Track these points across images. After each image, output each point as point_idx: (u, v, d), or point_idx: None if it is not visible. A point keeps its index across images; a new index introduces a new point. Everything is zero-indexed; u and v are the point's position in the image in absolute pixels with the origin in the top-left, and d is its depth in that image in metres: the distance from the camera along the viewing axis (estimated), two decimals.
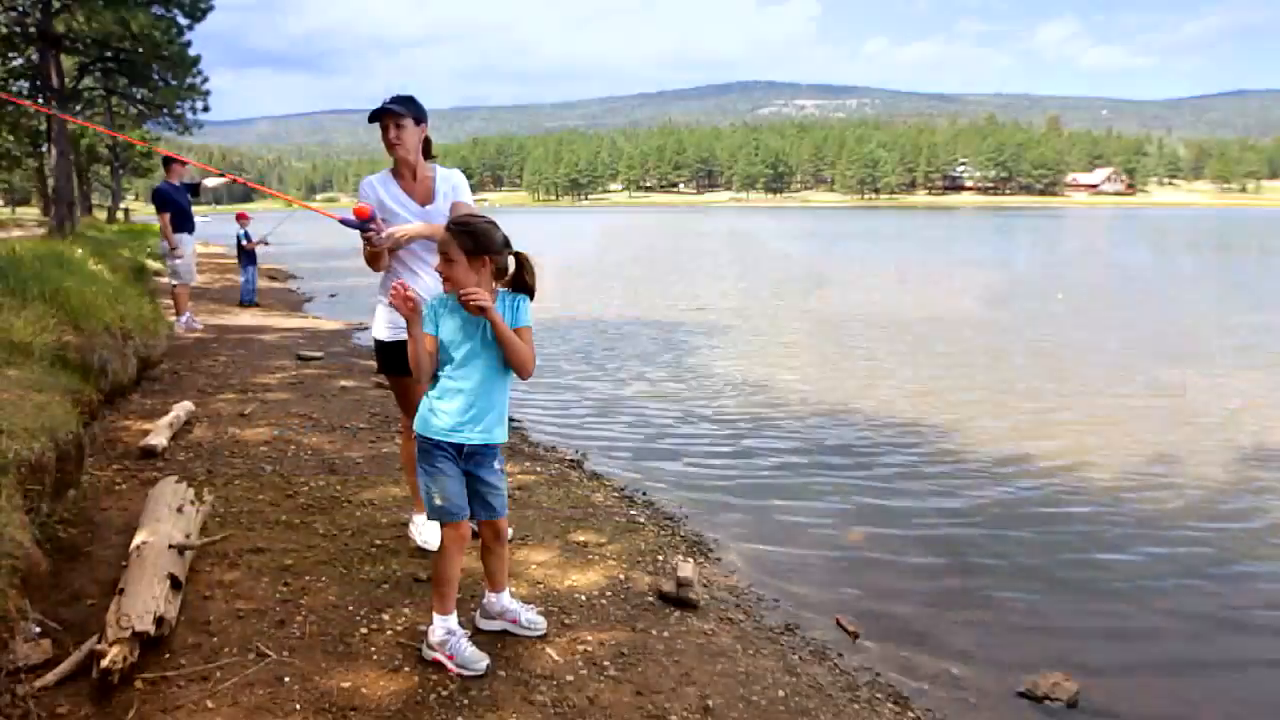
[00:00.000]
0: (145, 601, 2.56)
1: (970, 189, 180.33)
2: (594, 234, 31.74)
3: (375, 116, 3.28)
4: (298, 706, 2.36)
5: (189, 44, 18.69)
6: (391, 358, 3.36)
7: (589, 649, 2.85)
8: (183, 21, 18.22)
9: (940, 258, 27.31)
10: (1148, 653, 3.51)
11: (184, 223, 9.45)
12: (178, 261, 9.50)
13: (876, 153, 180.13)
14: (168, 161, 9.50)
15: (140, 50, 17.09)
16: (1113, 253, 30.33)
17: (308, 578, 3.21)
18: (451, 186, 3.45)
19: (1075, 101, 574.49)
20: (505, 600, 2.87)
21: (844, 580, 4.08)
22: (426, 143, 3.41)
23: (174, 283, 9.72)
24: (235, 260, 14.12)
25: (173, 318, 9.39)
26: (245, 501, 4.00)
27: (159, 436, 4.77)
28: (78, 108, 25.99)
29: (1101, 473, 5.70)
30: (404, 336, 2.72)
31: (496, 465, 2.68)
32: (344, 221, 3.20)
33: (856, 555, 4.39)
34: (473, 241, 2.49)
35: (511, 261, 2.59)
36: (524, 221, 62.96)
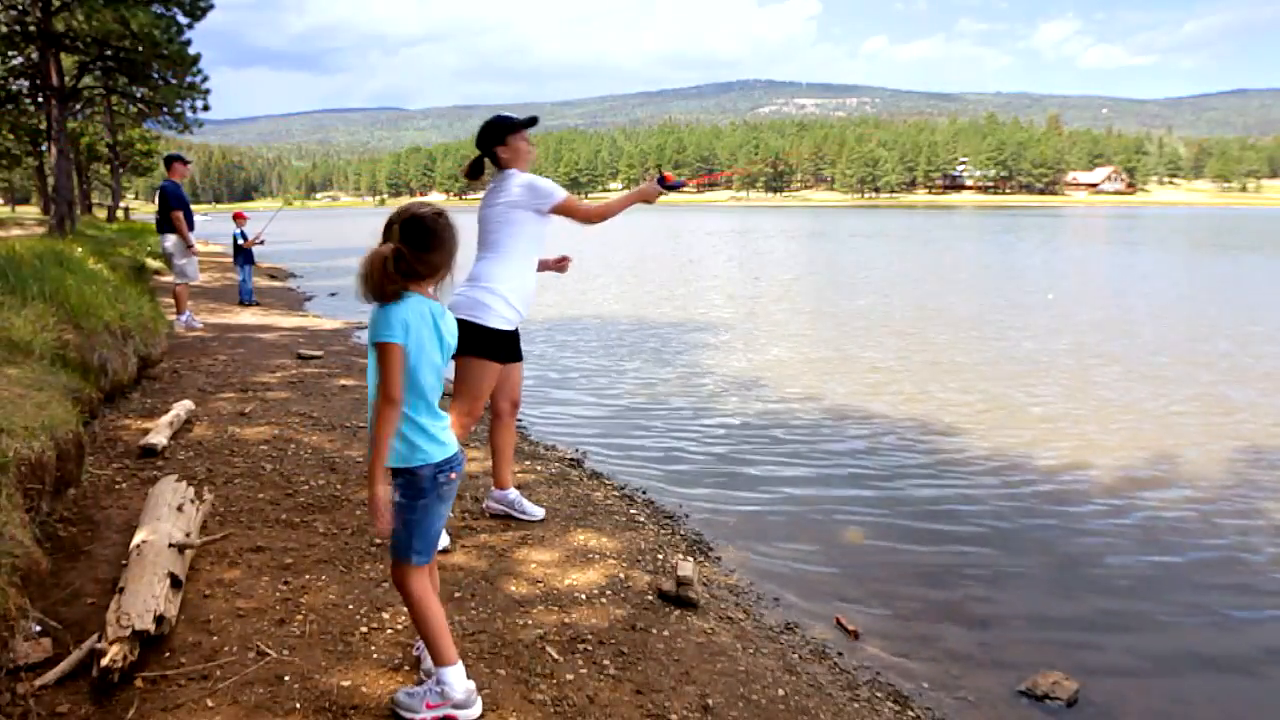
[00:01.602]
0: (145, 600, 2.56)
1: (970, 188, 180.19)
2: (597, 233, 31.75)
3: (531, 123, 3.72)
4: (297, 705, 2.36)
5: (189, 43, 18.64)
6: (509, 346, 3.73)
7: (589, 647, 2.85)
8: (183, 20, 18.16)
9: (944, 258, 27.28)
10: (1147, 652, 3.51)
11: (189, 221, 9.47)
12: (184, 261, 9.50)
13: (876, 152, 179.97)
14: (170, 160, 9.48)
15: (140, 49, 17.03)
16: (1118, 253, 30.30)
17: (308, 576, 3.21)
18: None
19: (1075, 100, 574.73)
20: (426, 664, 2.49)
21: (844, 580, 4.08)
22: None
23: (177, 281, 9.72)
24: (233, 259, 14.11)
25: (173, 316, 9.38)
26: (245, 500, 4.00)
27: (159, 435, 4.77)
28: (77, 106, 26.00)
29: (1102, 474, 5.70)
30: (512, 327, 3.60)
31: (395, 493, 2.30)
32: (671, 187, 3.82)
33: (856, 555, 4.39)
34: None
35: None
36: None
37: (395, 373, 2.18)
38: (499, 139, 3.68)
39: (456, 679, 2.33)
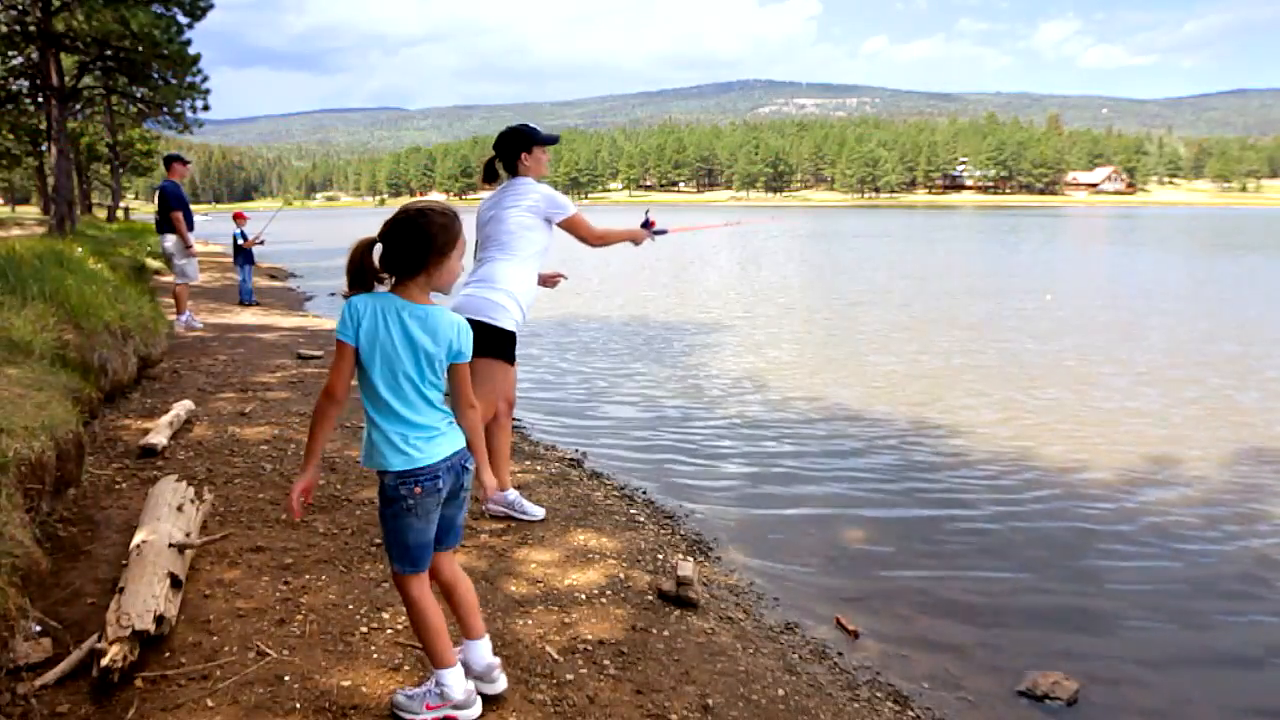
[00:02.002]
0: (145, 600, 2.56)
1: (970, 188, 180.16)
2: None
3: (554, 140, 3.94)
4: (297, 705, 2.36)
5: (189, 42, 18.64)
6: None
7: (589, 647, 2.85)
8: (183, 20, 18.17)
9: (946, 259, 27.28)
10: (1147, 652, 3.50)
11: (188, 221, 9.47)
12: (184, 261, 9.49)
13: (877, 151, 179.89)
14: (169, 160, 9.48)
15: (140, 49, 17.03)
16: (1119, 254, 30.28)
17: (308, 576, 3.21)
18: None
19: (1075, 100, 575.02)
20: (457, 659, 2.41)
21: (844, 580, 4.08)
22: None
23: (177, 281, 9.72)
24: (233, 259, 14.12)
25: (173, 316, 9.38)
26: (245, 500, 4.00)
27: (159, 435, 4.77)
28: (77, 106, 25.99)
29: (1103, 474, 5.70)
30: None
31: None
32: (657, 232, 4.28)
33: (856, 555, 4.39)
34: None
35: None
36: None
37: (337, 369, 2.15)
38: (526, 148, 3.80)
39: (455, 680, 2.33)
